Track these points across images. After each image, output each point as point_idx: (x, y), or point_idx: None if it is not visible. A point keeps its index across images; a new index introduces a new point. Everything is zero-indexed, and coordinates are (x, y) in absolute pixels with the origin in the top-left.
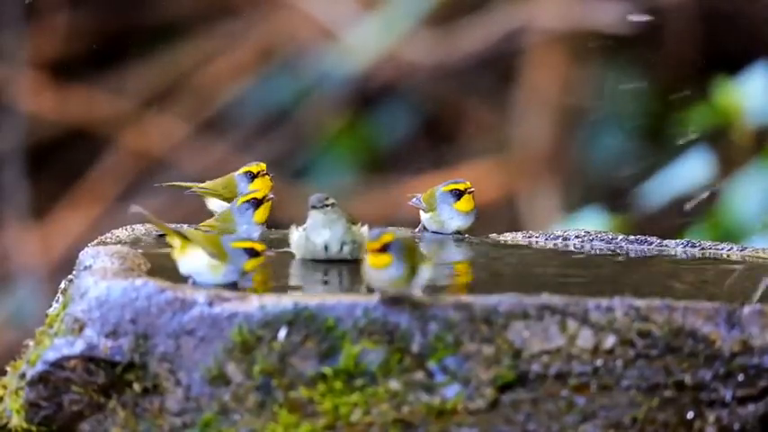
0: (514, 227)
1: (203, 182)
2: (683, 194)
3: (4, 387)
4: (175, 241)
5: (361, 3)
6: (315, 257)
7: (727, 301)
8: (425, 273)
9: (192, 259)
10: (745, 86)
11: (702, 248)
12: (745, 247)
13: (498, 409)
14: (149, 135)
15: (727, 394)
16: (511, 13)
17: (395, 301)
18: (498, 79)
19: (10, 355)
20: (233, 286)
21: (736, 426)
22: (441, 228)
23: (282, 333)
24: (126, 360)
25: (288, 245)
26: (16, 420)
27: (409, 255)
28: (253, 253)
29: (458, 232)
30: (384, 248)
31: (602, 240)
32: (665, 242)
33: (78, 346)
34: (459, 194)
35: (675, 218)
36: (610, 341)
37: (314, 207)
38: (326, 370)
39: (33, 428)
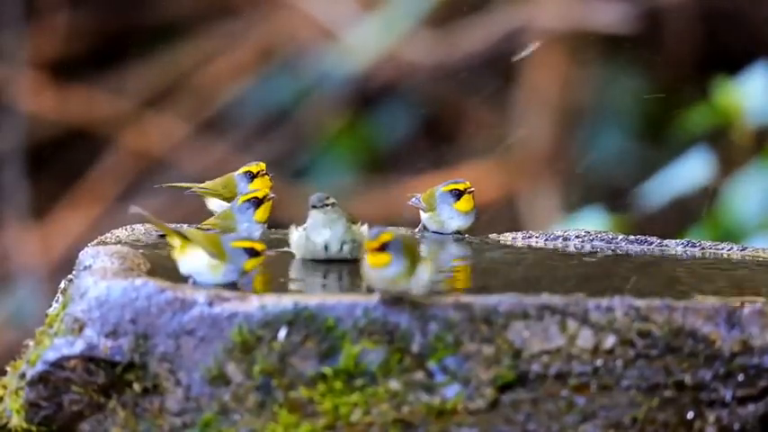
0: (514, 227)
1: (203, 182)
2: (683, 194)
3: (4, 387)
4: (175, 241)
5: (361, 3)
6: (315, 257)
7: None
8: (426, 272)
9: (192, 259)
10: (745, 86)
11: (702, 248)
12: (746, 247)
13: (498, 409)
14: (149, 135)
15: (727, 394)
16: (511, 13)
17: (395, 301)
18: (498, 79)
19: (10, 355)
20: (233, 286)
21: (736, 426)
22: (440, 228)
23: (282, 333)
24: (126, 360)
25: (288, 245)
26: (16, 420)
27: (409, 253)
28: (253, 253)
29: (458, 232)
30: (383, 247)
31: (602, 240)
32: (665, 242)
33: (78, 346)
34: (458, 194)
35: (675, 218)
36: (610, 341)
37: (314, 207)
38: (326, 370)
39: (33, 428)
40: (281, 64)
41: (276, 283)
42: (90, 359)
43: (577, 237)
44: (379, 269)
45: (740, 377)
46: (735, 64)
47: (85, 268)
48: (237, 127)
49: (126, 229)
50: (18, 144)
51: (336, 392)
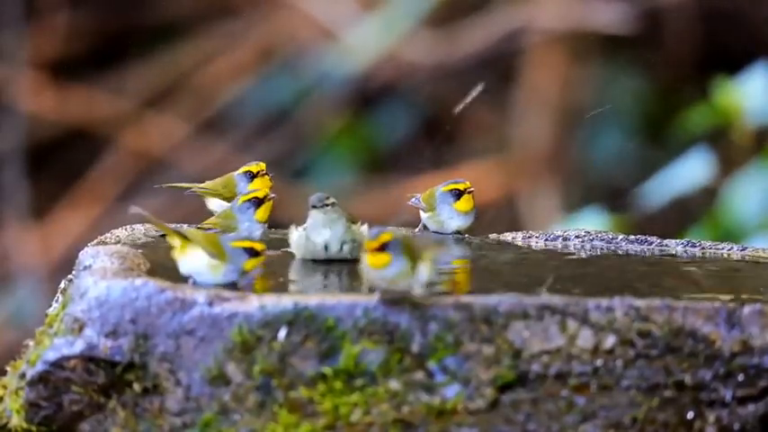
0: (514, 227)
1: (203, 182)
2: (683, 194)
3: (4, 387)
4: (175, 241)
5: (361, 3)
6: (315, 257)
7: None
8: (426, 271)
9: (192, 259)
10: (745, 86)
11: (702, 248)
12: (746, 247)
13: (498, 409)
14: (149, 135)
15: (727, 394)
16: (511, 13)
17: (395, 301)
18: (498, 79)
19: (10, 355)
20: (233, 286)
21: (736, 426)
22: (440, 228)
23: (282, 333)
24: (126, 360)
25: (288, 245)
26: (16, 420)
27: (409, 252)
28: (252, 252)
29: (458, 232)
30: (382, 248)
31: (602, 240)
32: (665, 242)
33: (78, 346)
34: (458, 194)
35: (675, 218)
36: (610, 341)
37: (314, 207)
38: (326, 370)
39: (33, 428)
40: (281, 64)
41: (276, 283)
42: (90, 359)
43: (577, 237)
44: (378, 269)
45: (740, 377)
46: (735, 64)
47: (85, 268)
48: (237, 127)
49: (126, 229)
50: (18, 144)
51: (336, 392)
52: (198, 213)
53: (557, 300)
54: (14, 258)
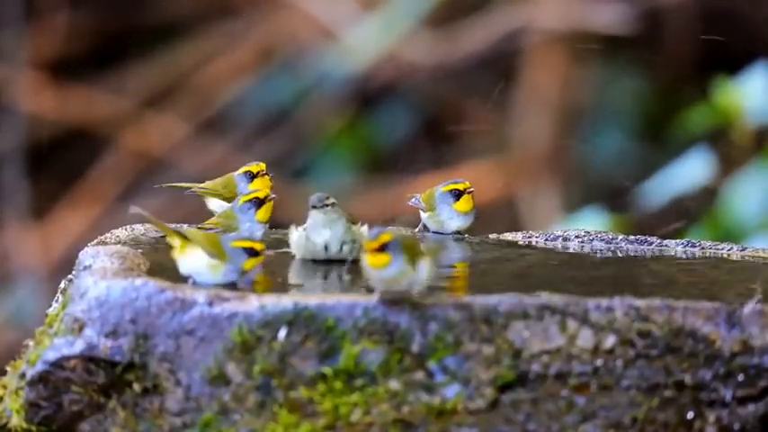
0: (514, 227)
1: (203, 182)
2: (683, 194)
3: (4, 387)
4: (175, 241)
5: (361, 3)
6: (315, 257)
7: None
8: (426, 269)
9: (192, 259)
10: (745, 86)
11: (702, 248)
12: (746, 247)
13: (498, 409)
14: (149, 135)
15: (727, 394)
16: (511, 13)
17: (395, 301)
18: (498, 79)
19: (10, 355)
20: (233, 286)
21: (736, 426)
22: (440, 228)
23: (282, 333)
24: (126, 360)
25: (288, 245)
26: (16, 420)
27: (409, 252)
28: (252, 252)
29: (458, 232)
30: (382, 248)
31: (602, 240)
32: (665, 242)
33: (78, 346)
34: (458, 195)
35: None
36: (610, 341)
37: (314, 207)
38: (326, 370)
39: (33, 428)
40: (281, 64)
41: (275, 283)
42: (90, 359)
43: (577, 237)
44: (378, 269)
45: (740, 377)
46: (735, 64)
47: (85, 268)
48: (237, 127)
49: (126, 229)
50: (18, 144)
51: (336, 392)
52: (198, 213)
53: (557, 300)
54: (14, 258)
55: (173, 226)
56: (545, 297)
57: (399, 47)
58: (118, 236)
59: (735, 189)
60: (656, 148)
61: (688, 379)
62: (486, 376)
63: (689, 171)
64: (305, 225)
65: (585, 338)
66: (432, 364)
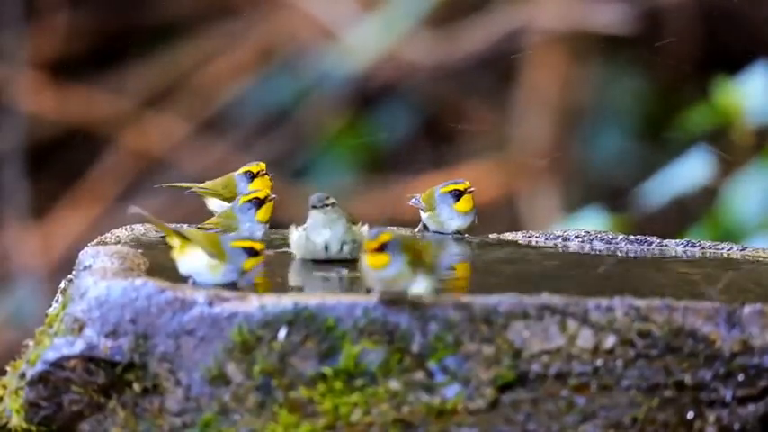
0: (514, 227)
1: (203, 182)
2: (683, 194)
3: (4, 387)
4: (175, 241)
5: (361, 3)
6: (315, 257)
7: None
8: (426, 279)
9: (192, 259)
10: (745, 86)
11: (702, 248)
12: (746, 247)
13: (498, 409)
14: (149, 135)
15: (727, 394)
16: (511, 13)
17: (395, 301)
18: (498, 79)
19: (10, 355)
20: (233, 286)
21: (736, 426)
22: (440, 228)
23: (282, 333)
24: (126, 360)
25: (288, 245)
26: (16, 420)
27: (409, 253)
28: (252, 252)
29: (458, 232)
30: (382, 248)
31: (602, 240)
32: (665, 242)
33: (78, 346)
34: (458, 195)
35: (675, 218)
36: (610, 341)
37: (314, 207)
38: (326, 370)
39: (33, 428)
40: (281, 64)
41: (275, 283)
42: (90, 359)
43: (577, 237)
44: (378, 270)
45: (740, 377)
46: (735, 64)
47: (85, 268)
48: (237, 127)
49: (126, 229)
50: (18, 144)
51: (336, 392)
52: (198, 213)
53: (557, 300)
54: (14, 258)
55: (172, 226)
56: (545, 297)
57: (399, 47)
58: (118, 236)
59: (735, 189)
60: (656, 148)
61: (688, 379)
62: (486, 376)
63: (689, 171)
64: (305, 225)
65: (585, 338)
66: (432, 364)
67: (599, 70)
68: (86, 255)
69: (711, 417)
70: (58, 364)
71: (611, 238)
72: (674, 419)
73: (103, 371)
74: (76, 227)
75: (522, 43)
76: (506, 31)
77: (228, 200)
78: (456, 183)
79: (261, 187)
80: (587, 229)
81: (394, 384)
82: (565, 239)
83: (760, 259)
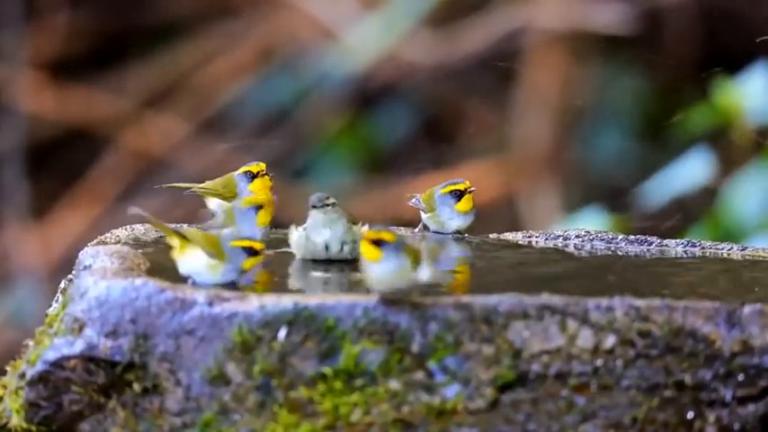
0: (514, 227)
1: (203, 182)
2: (683, 194)
3: (4, 387)
4: (174, 241)
5: (361, 3)
6: (315, 257)
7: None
8: (423, 271)
9: (191, 259)
10: (745, 86)
11: (702, 248)
12: (746, 247)
13: (498, 409)
14: (149, 135)
15: (727, 394)
16: (511, 13)
17: (395, 301)
18: (498, 79)
19: (10, 355)
20: (232, 285)
21: (737, 426)
22: (441, 228)
23: (282, 333)
24: (126, 360)
25: (288, 245)
26: (16, 420)
27: (408, 254)
28: (251, 252)
29: (458, 232)
30: (378, 242)
31: (602, 240)
32: (665, 242)
33: (78, 346)
34: (459, 195)
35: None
36: (610, 341)
37: (314, 207)
38: (326, 370)
39: (33, 428)
40: (281, 64)
41: (275, 283)
42: (90, 359)
43: (577, 237)
44: (372, 263)
45: (740, 377)
46: (735, 64)
47: (85, 268)
48: (237, 127)
49: (126, 229)
50: (18, 144)
51: (336, 392)
52: (198, 213)
53: (557, 300)
54: (14, 258)
55: (172, 226)
56: (545, 297)
57: (399, 47)
58: (118, 236)
59: (735, 189)
60: (656, 148)
61: (688, 379)
62: (486, 376)
63: (689, 171)
64: (305, 225)
65: (585, 338)
66: (432, 364)
67: (599, 70)
68: (86, 255)
69: (711, 417)
70: (58, 364)
71: (612, 238)
72: (674, 419)
73: (103, 371)
74: (76, 227)
75: (523, 43)
76: (506, 31)
77: (228, 200)
78: (456, 183)
79: (261, 188)
80: (587, 229)
81: (394, 384)
82: (565, 239)
83: (760, 259)
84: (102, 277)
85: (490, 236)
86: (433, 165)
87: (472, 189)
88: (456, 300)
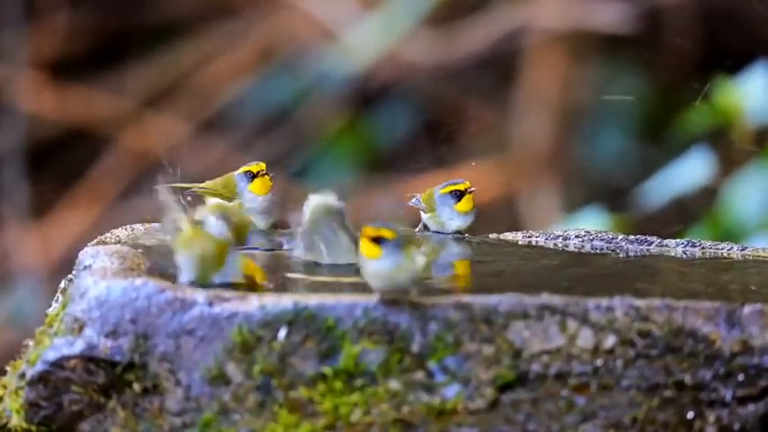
0: (514, 227)
1: (203, 182)
2: (683, 194)
3: (4, 387)
4: (185, 223)
5: (361, 3)
6: (316, 259)
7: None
8: (419, 263)
9: (189, 256)
10: (745, 86)
11: (702, 248)
12: (746, 247)
13: (498, 409)
14: (149, 135)
15: (727, 394)
16: (511, 13)
17: (395, 301)
18: (498, 79)
19: (10, 355)
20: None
21: (737, 426)
22: (441, 228)
23: (282, 333)
24: (126, 360)
25: (287, 245)
26: (16, 420)
27: (406, 252)
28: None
29: (458, 232)
30: (377, 240)
31: (602, 240)
32: (665, 242)
33: (78, 346)
34: (459, 195)
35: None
36: (610, 341)
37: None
38: (326, 370)
39: (33, 428)
40: (281, 64)
41: (275, 282)
42: (90, 359)
43: (577, 236)
44: (370, 260)
45: (740, 377)
46: (735, 64)
47: (85, 268)
48: (237, 127)
49: (126, 229)
50: (18, 144)
51: (336, 392)
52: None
53: (557, 300)
54: (14, 258)
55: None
56: (545, 297)
57: (399, 47)
58: (118, 236)
59: (735, 189)
60: (656, 148)
61: (688, 379)
62: (486, 376)
63: (689, 171)
64: (305, 225)
65: (585, 338)
66: (432, 364)
67: (599, 70)
68: (86, 255)
69: (711, 417)
70: (58, 364)
71: (611, 238)
72: (674, 419)
73: (103, 371)
74: (76, 227)
75: (523, 43)
76: (506, 31)
77: (228, 200)
78: (456, 183)
79: (261, 188)
80: (587, 229)
81: (394, 384)
82: (565, 239)
83: (760, 259)
84: (102, 277)
85: (490, 236)
86: (433, 165)
87: (472, 189)
88: (456, 300)
